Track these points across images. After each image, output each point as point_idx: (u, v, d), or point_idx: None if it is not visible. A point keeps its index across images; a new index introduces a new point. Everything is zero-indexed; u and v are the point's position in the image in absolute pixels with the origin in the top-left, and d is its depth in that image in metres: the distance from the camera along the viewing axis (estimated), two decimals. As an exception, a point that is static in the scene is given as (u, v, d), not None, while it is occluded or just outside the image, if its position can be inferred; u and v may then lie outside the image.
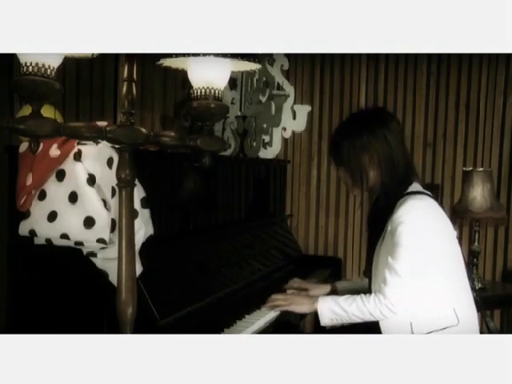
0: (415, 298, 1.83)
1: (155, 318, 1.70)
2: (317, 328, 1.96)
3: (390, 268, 1.82)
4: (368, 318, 1.85)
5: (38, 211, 1.68)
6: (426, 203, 1.87)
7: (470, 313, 1.90)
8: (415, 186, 1.94)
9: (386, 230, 1.89)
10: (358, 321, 1.87)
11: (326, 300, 1.94)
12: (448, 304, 1.85)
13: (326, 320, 1.91)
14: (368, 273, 2.02)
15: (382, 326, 1.86)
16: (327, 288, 2.25)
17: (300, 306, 2.03)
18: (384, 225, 1.90)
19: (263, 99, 3.34)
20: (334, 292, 2.26)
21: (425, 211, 1.85)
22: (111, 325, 1.52)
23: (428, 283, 1.83)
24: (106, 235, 1.62)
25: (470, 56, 3.19)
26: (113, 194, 1.65)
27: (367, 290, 2.04)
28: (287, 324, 2.11)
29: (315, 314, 1.97)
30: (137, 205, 1.61)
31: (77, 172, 1.64)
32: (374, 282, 1.94)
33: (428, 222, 1.84)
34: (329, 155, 2.11)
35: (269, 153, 3.44)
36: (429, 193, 1.94)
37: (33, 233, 1.69)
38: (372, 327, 1.88)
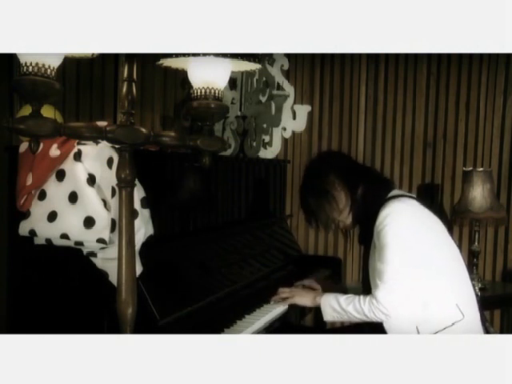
0: (417, 300, 1.82)
1: (155, 317, 1.70)
2: (317, 326, 1.96)
3: (379, 272, 1.84)
4: (364, 318, 1.87)
5: (38, 211, 1.68)
6: (407, 203, 1.89)
7: (472, 306, 1.90)
8: (394, 193, 1.96)
9: (373, 237, 1.92)
10: (357, 320, 1.90)
11: (329, 297, 1.97)
12: (451, 300, 1.85)
13: (328, 317, 1.96)
14: (365, 283, 2.03)
15: (386, 329, 1.86)
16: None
17: (302, 299, 2.08)
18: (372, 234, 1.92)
19: (263, 99, 3.33)
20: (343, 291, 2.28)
21: (406, 211, 1.87)
22: (111, 325, 1.52)
23: (427, 281, 1.83)
24: (106, 235, 1.62)
25: (470, 56, 3.19)
26: (113, 194, 1.65)
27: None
28: (287, 324, 2.11)
29: (315, 314, 1.99)
30: (137, 205, 1.61)
31: (77, 172, 1.64)
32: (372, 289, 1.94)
33: (410, 221, 1.86)
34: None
35: (269, 153, 3.43)
36: (410, 194, 1.97)
37: (33, 233, 1.69)
38: (376, 327, 1.88)
